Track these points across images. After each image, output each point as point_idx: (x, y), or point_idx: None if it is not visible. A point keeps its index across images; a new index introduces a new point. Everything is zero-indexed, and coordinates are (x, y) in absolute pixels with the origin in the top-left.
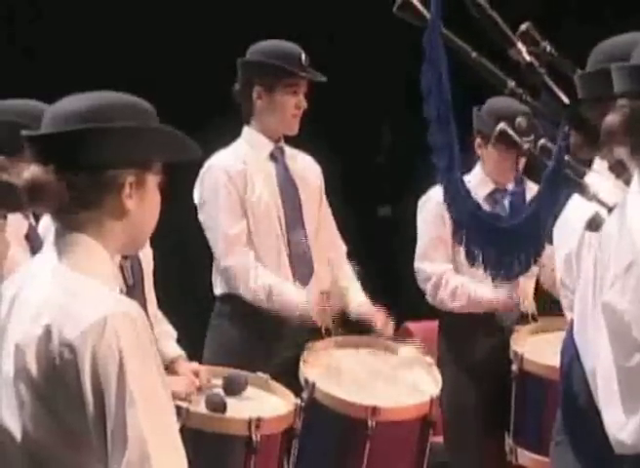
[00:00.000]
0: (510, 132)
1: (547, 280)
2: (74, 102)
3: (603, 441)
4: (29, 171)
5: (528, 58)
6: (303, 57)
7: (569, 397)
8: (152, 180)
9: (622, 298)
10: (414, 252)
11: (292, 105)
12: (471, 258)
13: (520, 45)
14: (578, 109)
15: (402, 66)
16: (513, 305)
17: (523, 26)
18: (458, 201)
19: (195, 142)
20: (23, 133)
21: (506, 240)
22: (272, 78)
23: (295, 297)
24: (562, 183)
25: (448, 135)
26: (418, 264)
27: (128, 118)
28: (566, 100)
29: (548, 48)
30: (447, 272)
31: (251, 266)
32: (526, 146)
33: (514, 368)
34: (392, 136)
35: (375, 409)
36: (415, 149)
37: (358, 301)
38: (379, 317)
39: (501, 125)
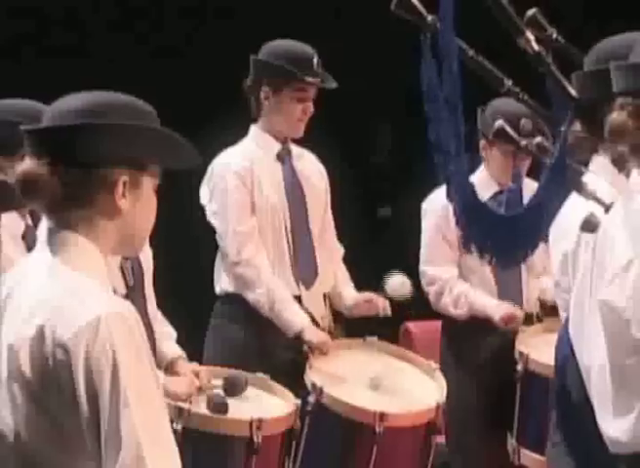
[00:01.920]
0: (508, 128)
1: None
2: (74, 100)
3: (598, 439)
4: (23, 164)
5: (536, 47)
6: (315, 60)
7: (563, 395)
8: (148, 182)
9: (621, 296)
10: (414, 252)
11: (298, 110)
12: (470, 247)
13: (529, 34)
14: (584, 100)
15: (402, 66)
16: (514, 322)
17: (530, 12)
18: (461, 192)
19: (195, 149)
20: (22, 127)
21: (508, 229)
22: (280, 80)
23: (297, 321)
24: (566, 175)
25: (455, 125)
26: (422, 267)
27: (125, 117)
28: (573, 92)
29: (555, 35)
30: (451, 279)
31: (264, 267)
32: (523, 143)
33: (519, 368)
34: (392, 136)
35: (382, 415)
36: (414, 149)
37: (352, 297)
38: (378, 301)
39: (499, 122)
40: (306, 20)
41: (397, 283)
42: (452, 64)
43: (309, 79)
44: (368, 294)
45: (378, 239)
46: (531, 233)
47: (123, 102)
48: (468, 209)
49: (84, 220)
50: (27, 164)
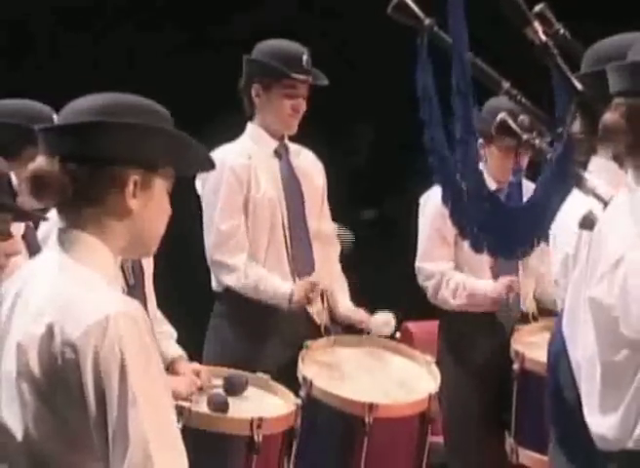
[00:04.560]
0: (510, 122)
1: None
2: (87, 100)
3: (589, 436)
4: (35, 162)
5: (544, 37)
6: (305, 58)
7: (556, 391)
8: (161, 184)
9: (610, 294)
10: (414, 251)
11: (287, 107)
12: (473, 242)
13: (537, 24)
14: (588, 95)
15: (389, 67)
16: (512, 293)
17: (537, 7)
18: (469, 177)
19: (208, 154)
20: (37, 127)
21: (512, 221)
22: (270, 78)
23: (280, 288)
24: (569, 170)
25: (465, 110)
26: (419, 263)
27: (137, 117)
28: (578, 85)
29: (562, 30)
30: (448, 271)
31: (239, 267)
32: (525, 137)
33: (515, 367)
34: (375, 136)
35: (372, 406)
36: (397, 150)
37: (344, 307)
38: (363, 318)
39: (502, 115)
40: (300, 20)
41: (381, 322)
42: (462, 53)
43: (297, 76)
44: (360, 315)
45: (377, 239)
46: (533, 227)
47: (136, 103)
48: (475, 196)
49: (94, 219)
50: (39, 161)
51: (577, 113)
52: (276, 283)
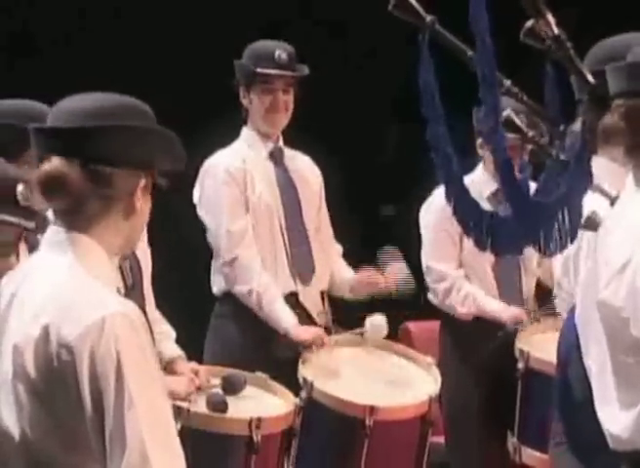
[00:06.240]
0: (516, 119)
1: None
2: (82, 101)
3: (599, 434)
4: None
5: (556, 30)
6: (277, 54)
7: (565, 385)
8: (150, 182)
9: (618, 296)
10: (416, 251)
11: (266, 103)
12: (477, 239)
13: (550, 16)
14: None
15: (410, 64)
16: (520, 323)
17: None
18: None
19: (184, 151)
20: (31, 126)
21: (537, 217)
22: (247, 78)
23: (283, 321)
24: (588, 163)
25: (493, 100)
26: (430, 263)
27: (135, 119)
28: (590, 77)
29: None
30: (460, 278)
31: (255, 266)
32: (530, 134)
33: (520, 366)
34: (399, 135)
35: (372, 409)
36: (421, 148)
37: (351, 278)
38: (378, 277)
39: (507, 112)
40: (307, 22)
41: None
42: (484, 39)
43: (265, 71)
44: (368, 272)
45: (380, 238)
46: (566, 220)
47: (130, 104)
48: (508, 185)
49: (96, 221)
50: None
51: (587, 108)
52: (280, 313)
